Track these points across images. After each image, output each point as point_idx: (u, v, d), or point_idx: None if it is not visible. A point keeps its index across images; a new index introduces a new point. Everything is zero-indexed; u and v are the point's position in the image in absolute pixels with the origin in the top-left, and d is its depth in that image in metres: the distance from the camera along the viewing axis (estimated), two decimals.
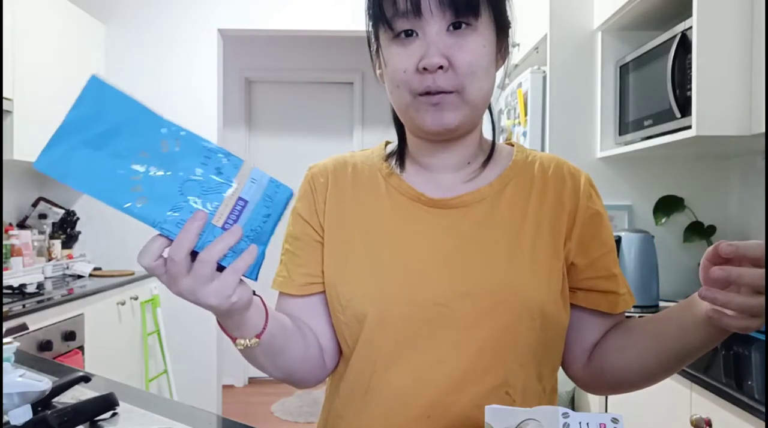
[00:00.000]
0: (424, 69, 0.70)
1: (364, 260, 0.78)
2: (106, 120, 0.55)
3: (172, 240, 0.57)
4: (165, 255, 0.57)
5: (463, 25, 0.70)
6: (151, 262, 0.57)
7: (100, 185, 0.55)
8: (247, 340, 0.67)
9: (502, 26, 0.75)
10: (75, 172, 0.54)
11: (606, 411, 1.92)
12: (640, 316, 0.82)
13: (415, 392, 0.75)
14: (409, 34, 0.71)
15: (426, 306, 0.74)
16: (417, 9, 0.69)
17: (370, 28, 0.77)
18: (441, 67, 0.70)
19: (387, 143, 0.89)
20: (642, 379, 0.80)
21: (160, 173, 0.56)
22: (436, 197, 0.79)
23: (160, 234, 0.57)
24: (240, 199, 0.58)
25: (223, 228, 0.58)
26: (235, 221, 0.58)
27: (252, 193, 0.59)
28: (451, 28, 0.71)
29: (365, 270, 0.77)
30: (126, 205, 0.55)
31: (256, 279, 0.61)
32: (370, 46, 0.79)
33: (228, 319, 0.65)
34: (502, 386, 0.75)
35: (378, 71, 0.80)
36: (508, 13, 0.76)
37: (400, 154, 0.84)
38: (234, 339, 0.68)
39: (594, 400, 2.01)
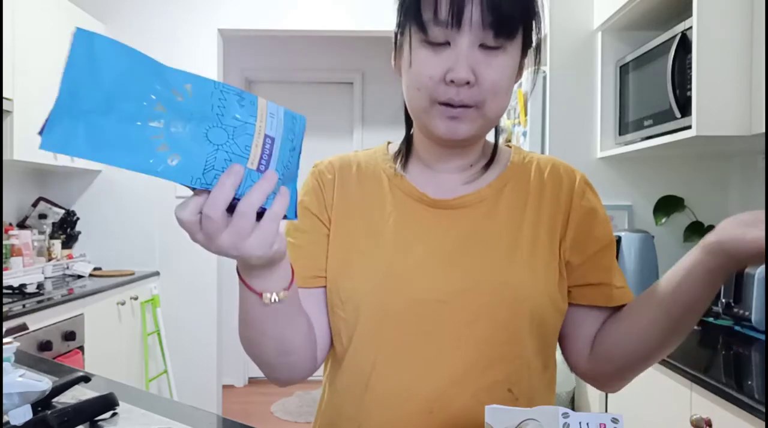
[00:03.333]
0: (451, 81, 0.70)
1: (367, 257, 0.79)
2: (106, 78, 0.47)
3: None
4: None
5: (494, 46, 0.71)
6: (190, 217, 0.53)
7: (122, 152, 0.48)
8: (275, 294, 0.65)
9: (526, 47, 0.76)
10: (89, 144, 0.47)
11: (606, 411, 1.92)
12: None
13: (416, 387, 0.76)
14: (441, 42, 0.71)
15: (427, 303, 0.76)
16: (458, 22, 0.69)
17: (401, 19, 0.75)
18: (467, 83, 0.70)
19: (389, 143, 0.90)
20: (646, 355, 0.78)
21: (182, 126, 0.50)
22: (438, 198, 0.81)
23: (197, 190, 0.52)
24: (266, 136, 0.54)
25: (258, 171, 0.53)
26: (268, 160, 0.54)
27: (275, 128, 0.54)
28: (483, 44, 0.71)
29: (368, 266, 0.78)
30: (159, 169, 0.49)
31: (295, 217, 0.59)
32: (396, 35, 0.78)
33: (264, 270, 0.63)
34: (505, 382, 0.76)
35: (395, 62, 0.80)
36: (534, 32, 0.76)
37: (406, 152, 0.85)
38: (260, 294, 0.65)
39: (594, 400, 2.01)
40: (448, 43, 0.71)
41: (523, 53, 0.76)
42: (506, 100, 0.75)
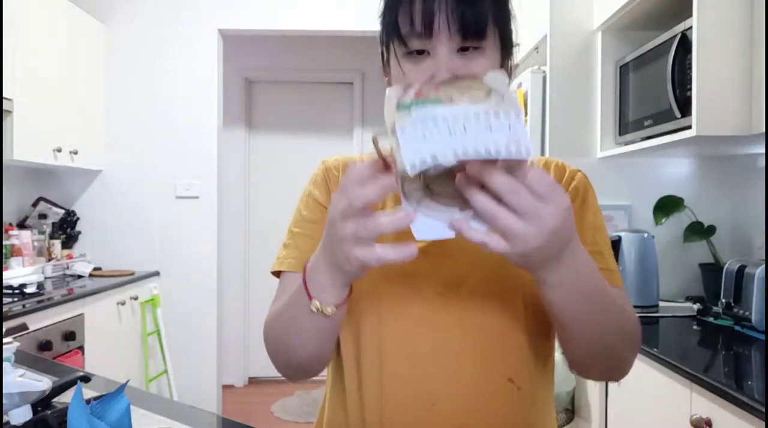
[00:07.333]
0: None
1: None
2: None
3: None
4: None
5: (471, 48, 0.73)
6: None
7: None
8: (330, 307, 0.68)
9: (506, 47, 0.79)
10: None
11: (606, 410, 1.92)
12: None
13: (418, 381, 0.77)
14: (420, 52, 0.74)
15: (426, 296, 0.79)
16: (429, 30, 0.72)
17: (384, 38, 0.79)
18: None
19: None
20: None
21: None
22: None
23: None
24: None
25: None
26: None
27: None
28: (460, 49, 0.73)
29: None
30: None
31: None
32: (382, 54, 0.82)
33: (344, 284, 0.67)
34: (504, 371, 0.78)
35: (386, 78, 0.83)
36: (513, 34, 0.80)
37: None
38: (321, 311, 0.68)
39: (594, 400, 2.01)
40: (427, 54, 0.73)
41: (506, 52, 0.79)
42: None
